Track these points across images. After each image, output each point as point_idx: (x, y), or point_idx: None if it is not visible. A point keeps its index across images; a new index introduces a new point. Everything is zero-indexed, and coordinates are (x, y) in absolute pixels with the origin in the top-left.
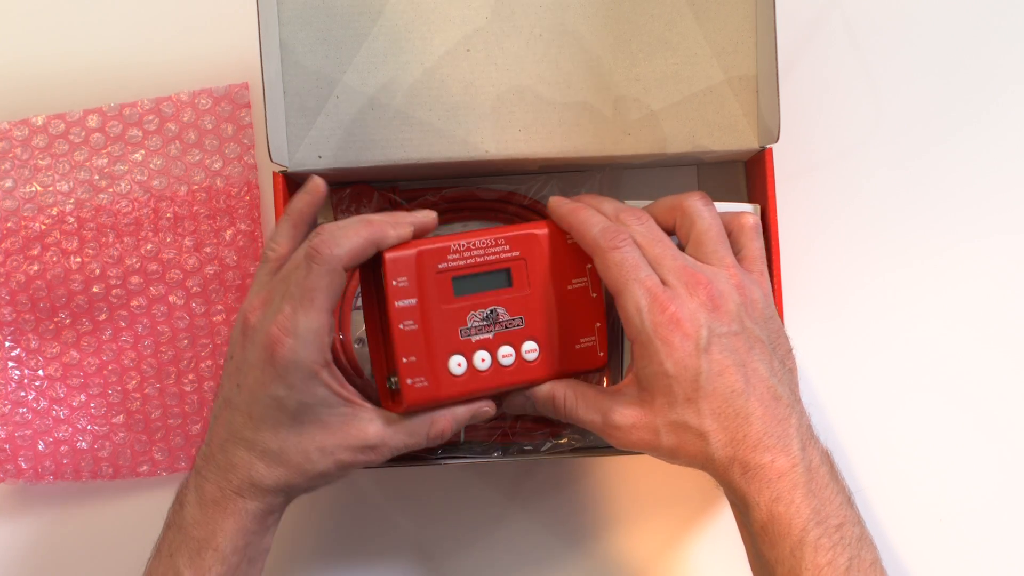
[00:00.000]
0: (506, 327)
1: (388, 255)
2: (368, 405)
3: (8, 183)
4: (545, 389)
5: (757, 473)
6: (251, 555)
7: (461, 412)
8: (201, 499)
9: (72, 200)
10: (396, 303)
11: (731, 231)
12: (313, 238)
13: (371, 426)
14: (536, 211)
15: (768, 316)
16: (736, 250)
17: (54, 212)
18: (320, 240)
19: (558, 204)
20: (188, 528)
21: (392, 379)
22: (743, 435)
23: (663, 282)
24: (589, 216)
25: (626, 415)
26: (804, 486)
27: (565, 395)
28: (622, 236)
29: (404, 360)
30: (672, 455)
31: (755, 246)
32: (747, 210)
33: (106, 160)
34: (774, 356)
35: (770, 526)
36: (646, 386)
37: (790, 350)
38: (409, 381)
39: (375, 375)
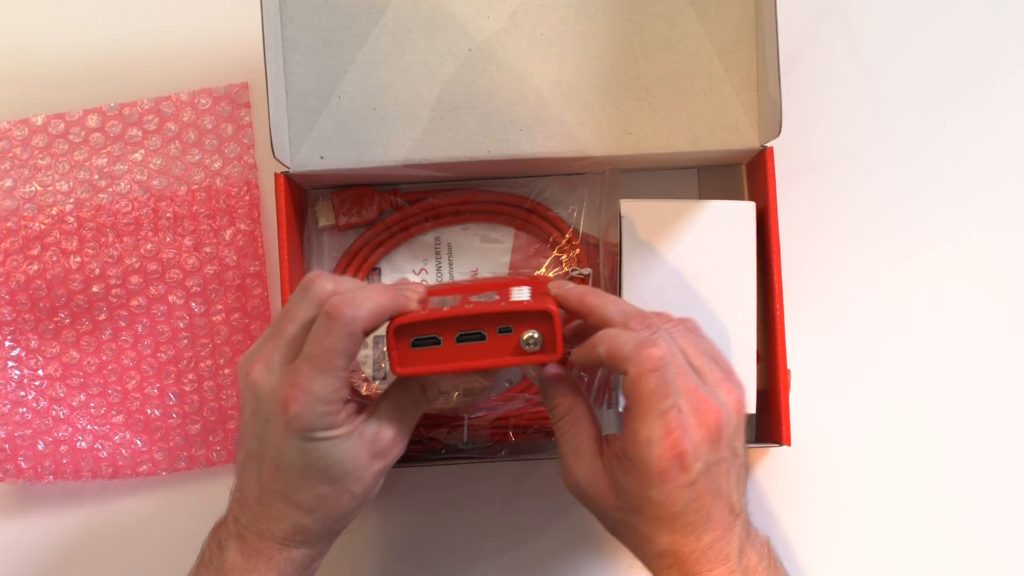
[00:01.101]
0: None
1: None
2: (365, 411)
3: (8, 183)
4: (562, 403)
5: None
6: None
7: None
8: (244, 548)
9: (72, 200)
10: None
11: None
12: (329, 296)
13: (381, 425)
14: (538, 213)
15: (745, 418)
16: None
17: (54, 212)
18: (340, 300)
19: (566, 289)
20: (228, 572)
21: (530, 335)
22: (690, 550)
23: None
24: (617, 333)
25: (591, 486)
26: None
27: (567, 418)
28: (665, 351)
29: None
30: (612, 533)
31: (708, 345)
32: (745, 210)
33: (106, 160)
34: (742, 463)
35: None
36: (621, 492)
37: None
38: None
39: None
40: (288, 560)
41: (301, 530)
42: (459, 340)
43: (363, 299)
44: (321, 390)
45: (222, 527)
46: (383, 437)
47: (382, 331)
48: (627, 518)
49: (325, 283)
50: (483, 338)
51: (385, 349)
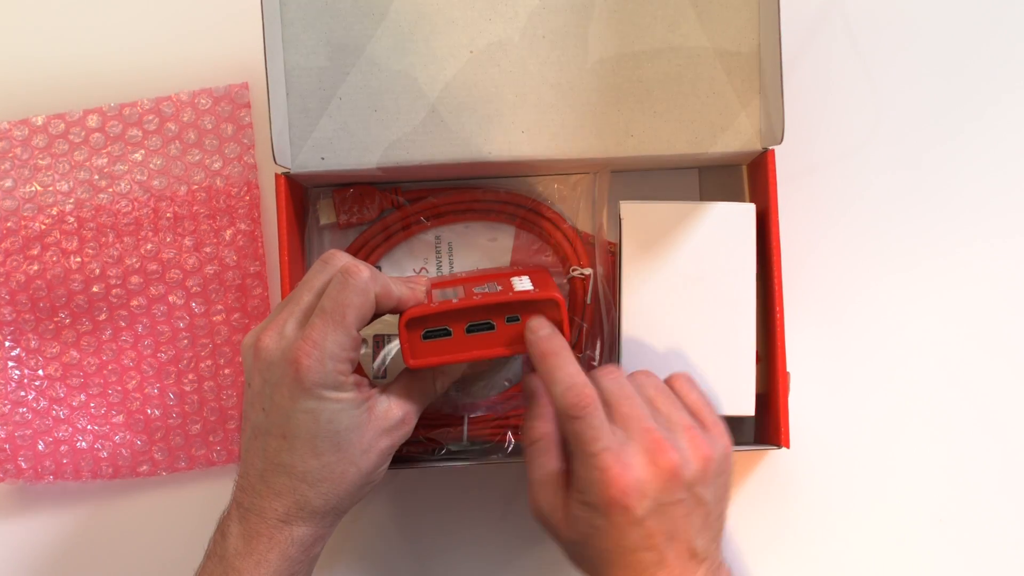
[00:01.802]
0: None
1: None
2: (376, 388)
3: (8, 183)
4: (536, 428)
5: None
6: None
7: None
8: (245, 531)
9: (72, 200)
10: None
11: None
12: (344, 261)
13: (391, 403)
14: (539, 212)
15: (721, 471)
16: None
17: (54, 212)
18: (359, 264)
19: (536, 334)
20: (230, 559)
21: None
22: None
23: (628, 439)
24: (557, 368)
25: (552, 516)
26: None
27: (537, 445)
28: (584, 401)
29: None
30: (573, 565)
31: (695, 397)
32: (745, 212)
33: (106, 160)
34: (712, 512)
35: None
36: (574, 524)
37: (729, 490)
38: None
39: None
40: (289, 539)
41: (304, 505)
42: (469, 331)
43: (379, 273)
44: (332, 346)
45: (226, 516)
46: (392, 415)
47: (382, 330)
48: (582, 551)
49: (344, 256)
50: (492, 328)
51: (383, 350)
